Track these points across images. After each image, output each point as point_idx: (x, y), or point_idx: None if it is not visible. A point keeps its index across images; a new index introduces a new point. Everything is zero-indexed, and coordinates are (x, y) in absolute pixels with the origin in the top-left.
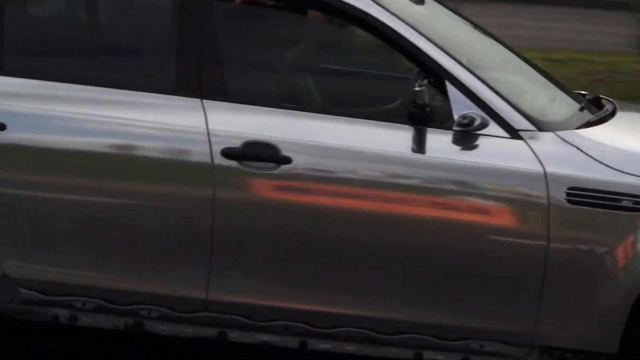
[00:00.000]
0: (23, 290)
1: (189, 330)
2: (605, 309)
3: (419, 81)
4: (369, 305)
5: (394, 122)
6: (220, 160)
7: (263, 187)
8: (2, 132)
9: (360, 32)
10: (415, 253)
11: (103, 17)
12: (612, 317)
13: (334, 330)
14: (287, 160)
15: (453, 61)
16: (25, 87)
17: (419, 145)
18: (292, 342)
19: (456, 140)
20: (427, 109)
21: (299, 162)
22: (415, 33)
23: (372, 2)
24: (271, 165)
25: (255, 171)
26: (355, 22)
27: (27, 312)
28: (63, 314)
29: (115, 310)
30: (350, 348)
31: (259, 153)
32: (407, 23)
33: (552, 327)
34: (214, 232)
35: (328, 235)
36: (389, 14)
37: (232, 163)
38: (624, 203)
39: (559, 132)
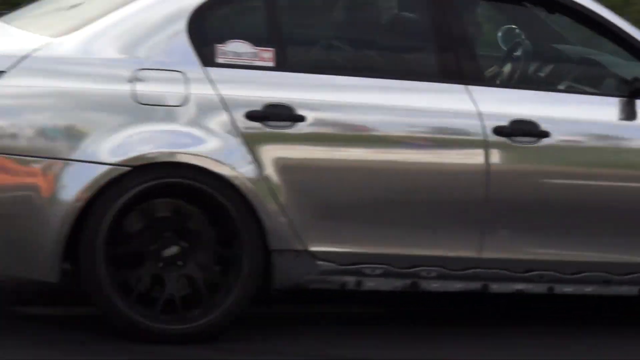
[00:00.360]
0: (321, 262)
1: (458, 285)
2: None
3: None
4: (608, 253)
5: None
6: (492, 137)
7: (528, 158)
8: (301, 123)
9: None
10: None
11: (372, 18)
12: None
13: (578, 275)
14: (546, 134)
15: None
16: (320, 81)
17: None
18: (542, 288)
19: None
20: None
21: (556, 136)
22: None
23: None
24: (533, 139)
25: (521, 145)
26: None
27: (321, 282)
28: (350, 280)
29: (399, 274)
30: (587, 289)
31: (525, 129)
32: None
33: None
34: (488, 200)
35: (576, 198)
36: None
37: (503, 139)
38: None
39: None
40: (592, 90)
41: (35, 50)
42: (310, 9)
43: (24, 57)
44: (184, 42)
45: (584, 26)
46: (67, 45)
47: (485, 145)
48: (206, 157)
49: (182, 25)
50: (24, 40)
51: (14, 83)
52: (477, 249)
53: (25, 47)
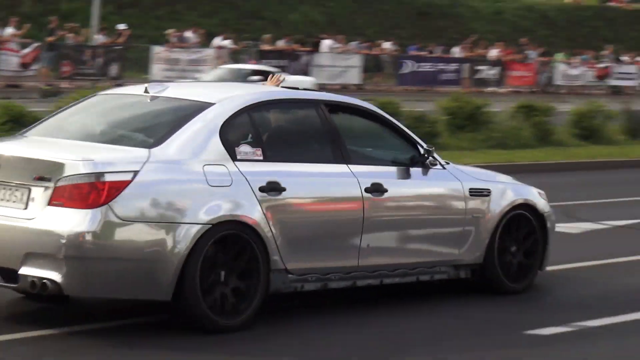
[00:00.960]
0: (289, 275)
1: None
2: None
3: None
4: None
5: None
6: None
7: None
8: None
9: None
10: None
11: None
12: None
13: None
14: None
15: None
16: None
17: None
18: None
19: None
20: None
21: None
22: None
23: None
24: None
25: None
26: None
27: (287, 287)
28: (298, 285)
29: (322, 279)
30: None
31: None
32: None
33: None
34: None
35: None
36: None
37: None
38: None
39: None
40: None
41: (148, 157)
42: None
43: (145, 161)
44: (221, 148)
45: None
46: (163, 153)
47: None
48: (244, 215)
49: (217, 138)
50: (126, 151)
51: (146, 178)
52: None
53: (139, 155)
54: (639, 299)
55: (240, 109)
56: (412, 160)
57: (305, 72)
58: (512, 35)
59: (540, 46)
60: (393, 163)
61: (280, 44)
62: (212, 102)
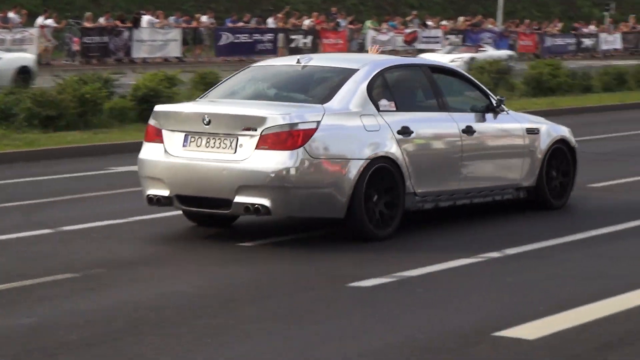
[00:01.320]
0: (416, 197)
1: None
2: None
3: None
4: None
5: None
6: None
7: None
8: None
9: None
10: None
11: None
12: None
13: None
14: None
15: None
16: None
17: None
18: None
19: None
20: None
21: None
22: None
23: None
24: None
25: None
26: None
27: (416, 206)
28: (428, 205)
29: (439, 200)
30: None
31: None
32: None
33: None
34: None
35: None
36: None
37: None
38: None
39: None
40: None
41: (324, 111)
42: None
43: (323, 114)
44: (369, 101)
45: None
46: (332, 108)
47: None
48: (389, 152)
49: (366, 95)
50: (307, 107)
51: (326, 123)
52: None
53: (317, 110)
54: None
55: (377, 72)
56: (487, 108)
57: (128, 48)
58: (323, 5)
59: (350, 14)
60: (474, 110)
61: (102, 21)
62: (356, 67)
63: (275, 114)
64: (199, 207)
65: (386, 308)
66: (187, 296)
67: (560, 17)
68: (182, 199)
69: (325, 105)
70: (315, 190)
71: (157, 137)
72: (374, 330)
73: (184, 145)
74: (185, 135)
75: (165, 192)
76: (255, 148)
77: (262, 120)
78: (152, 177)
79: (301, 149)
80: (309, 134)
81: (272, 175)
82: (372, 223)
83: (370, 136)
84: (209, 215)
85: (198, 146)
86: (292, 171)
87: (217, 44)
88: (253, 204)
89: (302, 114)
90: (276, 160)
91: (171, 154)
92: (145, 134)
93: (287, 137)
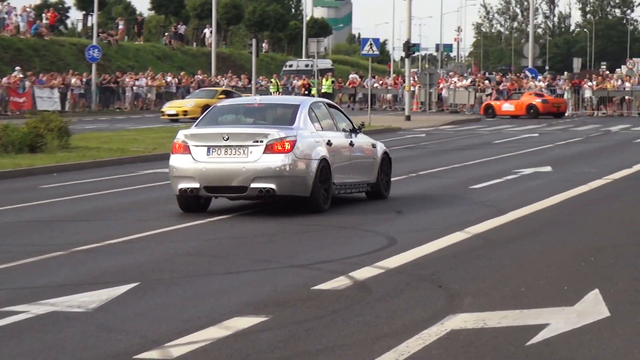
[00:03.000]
0: None
1: None
2: None
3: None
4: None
5: None
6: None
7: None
8: None
9: None
10: None
11: None
12: None
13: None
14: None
15: None
16: None
17: None
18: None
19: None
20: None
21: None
22: None
23: None
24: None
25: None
26: None
27: None
28: None
29: None
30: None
31: None
32: None
33: None
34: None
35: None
36: None
37: None
38: None
39: None
40: None
41: (297, 129)
42: None
43: (297, 131)
44: (315, 123)
45: None
46: (298, 127)
47: None
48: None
49: (309, 118)
50: (286, 128)
51: (300, 139)
52: None
53: (293, 129)
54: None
55: (309, 106)
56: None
57: None
58: None
59: None
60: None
61: None
62: (298, 103)
63: (273, 131)
64: (222, 193)
65: None
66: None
67: None
68: (209, 189)
69: (294, 126)
70: (298, 178)
71: (185, 150)
72: None
73: (207, 155)
74: (208, 147)
75: (195, 185)
76: (263, 153)
77: (266, 135)
78: (184, 176)
79: (291, 152)
80: (293, 143)
81: (277, 168)
82: (322, 200)
83: (320, 144)
84: (205, 200)
85: (219, 155)
86: (287, 166)
87: None
88: (264, 188)
89: (287, 132)
90: (278, 160)
91: (198, 160)
92: (172, 149)
93: (282, 145)
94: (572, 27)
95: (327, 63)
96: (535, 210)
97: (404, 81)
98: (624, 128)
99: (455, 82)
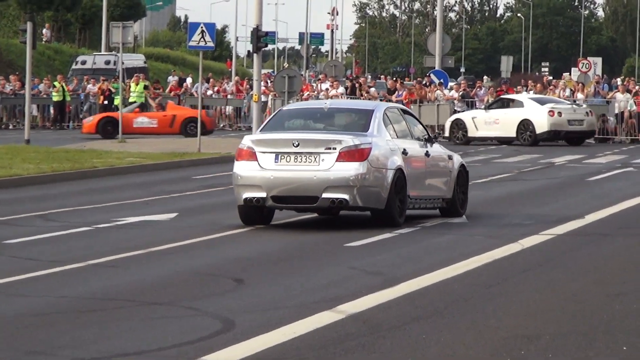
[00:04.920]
0: None
1: None
2: None
3: None
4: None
5: None
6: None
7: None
8: None
9: None
10: None
11: None
12: None
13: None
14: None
15: None
16: None
17: None
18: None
19: None
20: None
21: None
22: None
23: None
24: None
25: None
26: None
27: None
28: None
29: None
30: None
31: None
32: None
33: None
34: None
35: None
36: None
37: None
38: None
39: None
40: None
41: (372, 136)
42: None
43: (372, 139)
44: (391, 131)
45: None
46: (372, 134)
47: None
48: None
49: (383, 126)
50: (360, 134)
51: (375, 147)
52: None
53: (368, 136)
54: None
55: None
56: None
57: None
58: None
59: None
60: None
61: None
62: (371, 108)
63: (347, 138)
64: (290, 203)
65: None
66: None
67: None
68: (276, 199)
69: (367, 132)
70: (375, 189)
71: (251, 157)
72: None
73: (275, 162)
74: (276, 154)
75: (261, 194)
76: (336, 161)
77: (339, 142)
78: (250, 185)
79: (366, 161)
80: (368, 151)
81: (352, 178)
82: (397, 213)
83: (395, 153)
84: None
85: (288, 162)
86: (363, 176)
87: None
88: (337, 198)
89: (362, 139)
90: (353, 169)
91: (265, 168)
92: (237, 155)
93: (356, 153)
94: (501, 11)
95: (138, 59)
96: (437, 280)
97: (251, 88)
98: (573, 160)
99: (327, 89)
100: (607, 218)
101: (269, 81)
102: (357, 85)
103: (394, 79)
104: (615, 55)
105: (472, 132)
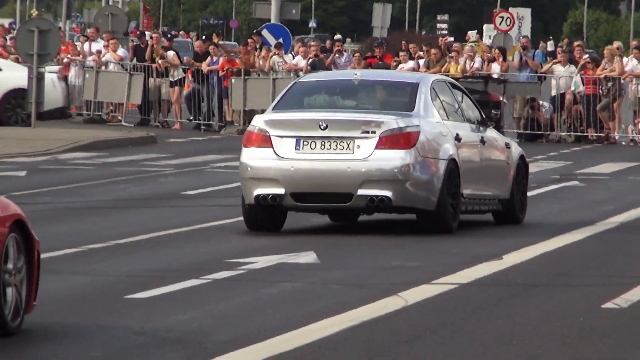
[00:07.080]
0: None
1: None
2: None
3: None
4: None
5: None
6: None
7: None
8: None
9: None
10: None
11: None
12: None
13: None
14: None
15: None
16: None
17: None
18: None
19: None
20: None
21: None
22: None
23: None
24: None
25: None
26: None
27: None
28: None
29: None
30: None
31: None
32: None
33: None
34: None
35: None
36: None
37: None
38: None
39: None
40: None
41: (419, 118)
42: None
43: (419, 121)
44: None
45: None
46: (418, 115)
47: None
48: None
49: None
50: (404, 114)
51: (424, 130)
52: None
53: (414, 117)
54: None
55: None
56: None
57: None
58: None
59: None
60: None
61: None
62: (415, 81)
63: (389, 119)
64: (315, 203)
65: None
66: None
67: None
68: (297, 196)
69: (413, 112)
70: (424, 184)
71: (264, 142)
72: None
73: (297, 149)
74: (298, 139)
75: (279, 191)
76: (375, 148)
77: (379, 124)
78: (263, 178)
79: (414, 148)
80: (416, 136)
81: (396, 170)
82: (450, 216)
83: (448, 138)
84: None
85: (312, 149)
86: (410, 167)
87: None
88: (377, 196)
89: (407, 120)
90: (397, 158)
91: (283, 157)
92: (246, 140)
93: (400, 139)
94: None
95: None
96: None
97: None
98: None
99: (99, 52)
100: (537, 259)
101: (7, 38)
102: (145, 46)
103: (204, 37)
104: (552, 5)
105: None
